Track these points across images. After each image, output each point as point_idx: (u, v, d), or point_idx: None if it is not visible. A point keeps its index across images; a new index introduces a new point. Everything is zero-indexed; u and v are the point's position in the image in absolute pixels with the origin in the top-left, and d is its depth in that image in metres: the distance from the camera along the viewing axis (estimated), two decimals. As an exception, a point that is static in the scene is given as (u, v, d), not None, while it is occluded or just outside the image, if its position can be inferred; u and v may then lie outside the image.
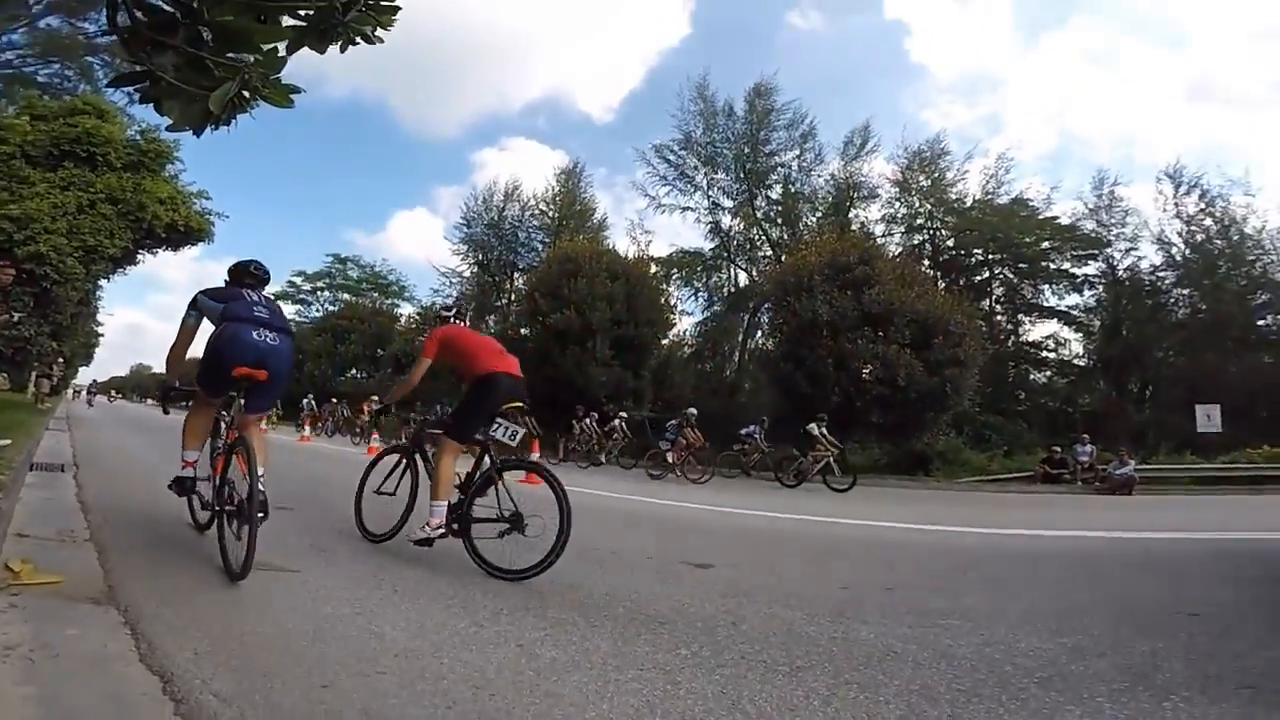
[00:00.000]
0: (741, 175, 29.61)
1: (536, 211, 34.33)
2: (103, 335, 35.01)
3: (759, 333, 28.38)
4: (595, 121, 60.24)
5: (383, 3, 1.62)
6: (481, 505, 3.40)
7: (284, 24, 1.60)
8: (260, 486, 2.79)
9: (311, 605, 2.52)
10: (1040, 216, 25.78)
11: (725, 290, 31.41)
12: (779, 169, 29.43)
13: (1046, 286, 26.86)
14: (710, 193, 30.54)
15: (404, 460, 3.98)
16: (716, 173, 30.25)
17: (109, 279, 18.95)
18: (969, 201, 26.79)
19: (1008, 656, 2.28)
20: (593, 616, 2.66)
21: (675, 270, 30.90)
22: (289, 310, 46.34)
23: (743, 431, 14.09)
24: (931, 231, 27.95)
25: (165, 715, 1.53)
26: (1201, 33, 44.80)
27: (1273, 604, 3.08)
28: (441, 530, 3.41)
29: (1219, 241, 23.02)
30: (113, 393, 49.45)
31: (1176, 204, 23.74)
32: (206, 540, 3.39)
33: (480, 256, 35.80)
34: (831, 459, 11.44)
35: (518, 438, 3.70)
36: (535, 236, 34.55)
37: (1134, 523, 6.19)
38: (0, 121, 15.50)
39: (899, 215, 28.21)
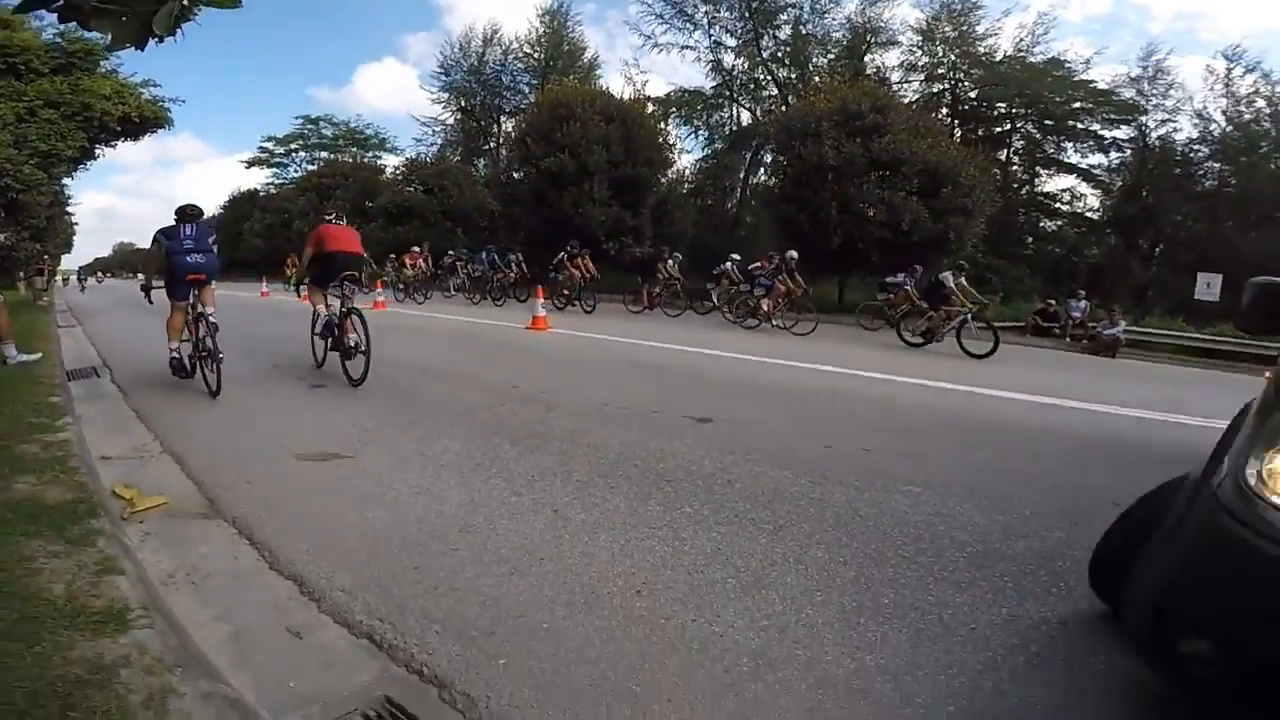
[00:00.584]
0: (747, 14, 27.27)
1: (520, 54, 32.11)
2: (77, 224, 34.86)
3: (761, 170, 27.70)
4: None
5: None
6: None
7: None
8: (212, 320, 4.95)
9: (378, 492, 2.96)
10: (1076, 79, 24.48)
11: (727, 129, 30.28)
12: (789, 9, 27.12)
13: (1070, 144, 26.12)
14: (712, 31, 28.46)
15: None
16: (719, 10, 27.97)
17: (73, 177, 18.65)
18: (999, 56, 25.25)
19: (949, 529, 2.64)
20: (610, 478, 3.14)
21: (674, 109, 29.47)
22: (265, 175, 45.45)
23: (889, 280, 12.72)
24: (953, 82, 26.43)
25: (314, 613, 1.94)
26: None
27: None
28: (325, 320, 5.81)
29: (1266, 123, 22.21)
30: (98, 274, 51.06)
31: (1228, 83, 22.60)
32: (261, 433, 4.00)
33: (463, 103, 34.01)
34: (969, 316, 9.60)
35: (354, 293, 5.90)
36: (521, 79, 32.75)
37: (1104, 394, 6.09)
38: None
39: (919, 64, 26.56)
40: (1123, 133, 25.22)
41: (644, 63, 45.52)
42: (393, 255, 20.70)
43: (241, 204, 46.13)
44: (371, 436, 3.88)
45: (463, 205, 28.13)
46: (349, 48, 76.84)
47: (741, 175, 29.55)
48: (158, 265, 5.43)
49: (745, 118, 29.82)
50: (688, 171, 29.38)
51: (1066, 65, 24.84)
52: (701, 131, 30.49)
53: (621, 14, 57.24)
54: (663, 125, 25.21)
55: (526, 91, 32.10)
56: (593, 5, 64.56)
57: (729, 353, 7.97)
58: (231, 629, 1.85)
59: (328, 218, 6.31)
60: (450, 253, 19.48)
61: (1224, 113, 23.13)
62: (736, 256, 14.03)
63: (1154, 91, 24.15)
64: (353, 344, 5.41)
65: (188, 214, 5.36)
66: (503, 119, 34.05)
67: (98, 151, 17.72)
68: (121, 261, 76.97)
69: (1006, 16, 25.76)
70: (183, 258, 5.17)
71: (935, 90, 26.96)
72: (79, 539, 2.16)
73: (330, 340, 5.77)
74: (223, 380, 4.83)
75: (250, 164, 45.72)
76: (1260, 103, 22.42)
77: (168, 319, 5.36)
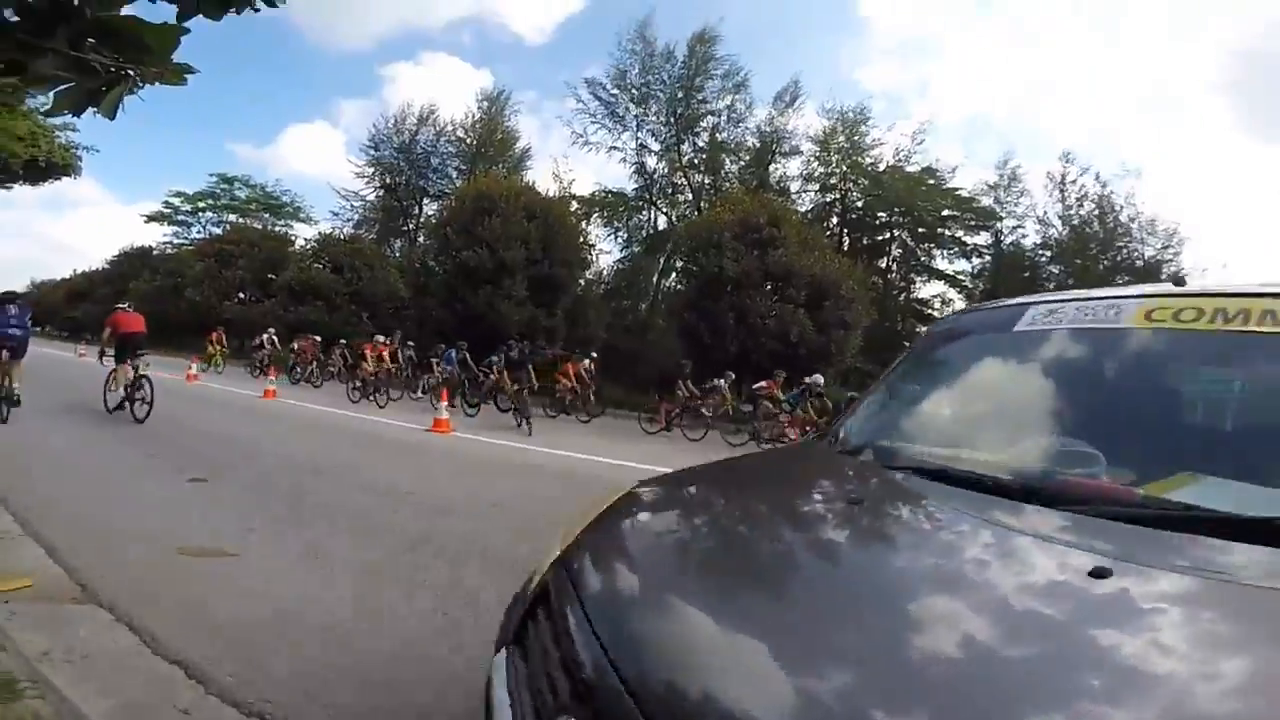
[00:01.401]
0: (672, 119, 29.38)
1: (453, 138, 32.71)
2: None
3: (673, 274, 29.03)
4: (527, 43, 56.66)
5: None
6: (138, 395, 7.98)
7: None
8: (18, 388, 7.38)
9: (265, 589, 3.00)
10: (944, 187, 27.44)
11: (645, 231, 31.49)
12: (709, 116, 29.49)
13: (939, 251, 28.99)
14: (639, 134, 30.18)
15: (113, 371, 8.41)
16: (647, 114, 29.84)
17: None
18: (882, 166, 27.97)
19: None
20: (504, 588, 3.33)
21: (597, 209, 30.64)
22: (167, 231, 42.89)
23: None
24: (843, 192, 29.09)
25: (202, 694, 2.02)
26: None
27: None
28: (119, 402, 8.19)
29: (1096, 226, 24.99)
30: None
31: (1061, 189, 25.69)
32: (140, 524, 3.92)
33: (387, 180, 33.96)
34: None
35: (143, 365, 8.14)
36: (450, 163, 33.22)
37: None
38: None
39: (815, 174, 29.14)
40: (982, 239, 28.09)
41: (574, 158, 47.88)
42: (316, 338, 18.32)
43: (132, 260, 42.86)
44: (256, 533, 3.86)
45: (373, 289, 27.59)
46: (283, 105, 75.02)
47: (655, 280, 30.90)
48: None
49: (662, 222, 31.41)
50: (605, 273, 30.20)
51: (937, 173, 27.70)
52: (621, 233, 31.68)
53: (560, 106, 60.90)
54: (584, 225, 26.25)
55: (454, 176, 32.54)
56: (533, 93, 67.69)
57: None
58: (118, 703, 1.91)
59: (121, 306, 9.25)
60: (409, 344, 17.05)
61: (1060, 217, 25.96)
62: (819, 378, 12.07)
63: (1008, 199, 27.07)
64: (139, 397, 7.93)
65: (9, 298, 7.73)
66: (425, 201, 34.30)
67: None
68: None
69: (890, 128, 29.58)
70: (4, 329, 7.36)
71: (828, 200, 29.59)
72: (-53, 618, 2.17)
73: (123, 397, 8.16)
74: (11, 417, 7.25)
75: (151, 219, 42.76)
76: (1089, 205, 25.16)
77: None
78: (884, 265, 29.68)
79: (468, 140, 32.46)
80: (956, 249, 28.66)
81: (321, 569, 3.36)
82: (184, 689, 2.07)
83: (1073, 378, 1.52)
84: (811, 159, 29.07)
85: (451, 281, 21.15)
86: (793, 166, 29.64)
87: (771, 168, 29.48)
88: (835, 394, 19.74)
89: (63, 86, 1.44)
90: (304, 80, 69.46)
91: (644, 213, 31.78)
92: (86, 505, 4.21)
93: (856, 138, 28.13)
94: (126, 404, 8.04)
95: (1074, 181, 25.54)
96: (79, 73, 1.41)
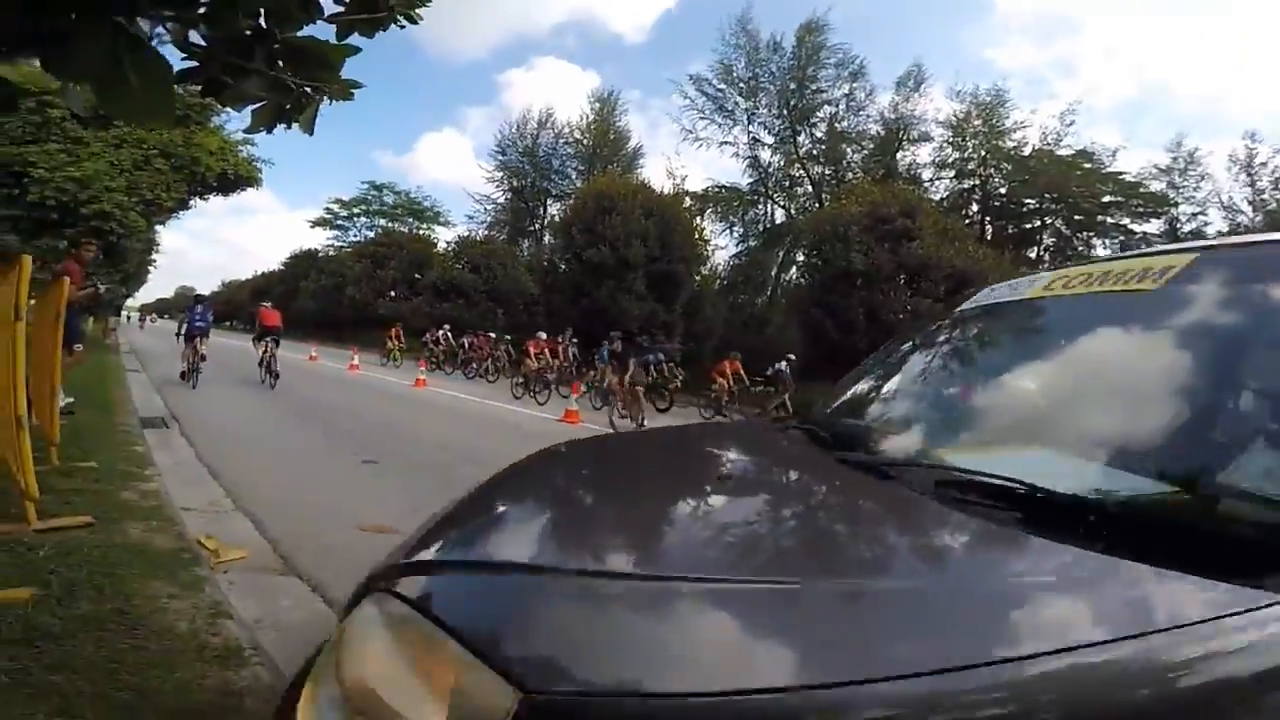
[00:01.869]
0: (785, 111, 28.39)
1: (570, 139, 34.14)
2: (155, 266, 36.91)
3: (794, 269, 28.11)
4: (627, 42, 58.03)
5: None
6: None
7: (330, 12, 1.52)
8: (203, 350, 10.60)
9: None
10: (1104, 171, 24.48)
11: (761, 225, 30.88)
12: (825, 106, 28.20)
13: (1100, 240, 25.92)
14: (750, 127, 29.47)
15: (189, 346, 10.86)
16: (758, 108, 29.05)
17: (164, 224, 19.91)
18: (1027, 150, 25.47)
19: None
20: None
21: (711, 205, 30.42)
22: (329, 235, 48.00)
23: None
24: (983, 178, 26.77)
25: None
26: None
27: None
28: (261, 375, 11.41)
29: None
30: (152, 315, 61.35)
31: (1249, 170, 22.13)
32: (321, 502, 4.36)
33: (514, 183, 36.00)
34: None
35: (269, 343, 11.48)
36: (569, 164, 34.74)
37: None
38: (48, 86, 15.69)
39: (950, 160, 27.04)
40: (1154, 227, 24.52)
41: (684, 154, 47.94)
42: (491, 335, 19.44)
43: (302, 262, 48.25)
44: (422, 515, 4.17)
45: (505, 286, 29.30)
46: (415, 115, 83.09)
47: (773, 274, 30.14)
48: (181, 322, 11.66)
49: (780, 215, 30.52)
50: (720, 267, 29.79)
51: (1094, 157, 24.60)
52: (736, 227, 31.18)
53: (664, 103, 61.21)
54: (699, 221, 26.17)
55: (573, 177, 33.88)
56: (638, 92, 68.87)
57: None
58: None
59: (264, 304, 12.56)
60: (574, 340, 17.41)
61: (1249, 201, 22.39)
62: None
63: (1184, 183, 23.51)
64: (271, 370, 11.13)
65: (199, 299, 11.70)
66: (549, 202, 35.92)
67: (192, 203, 18.74)
68: (183, 305, 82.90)
69: (1034, 112, 26.55)
70: (194, 323, 10.75)
71: (966, 187, 27.29)
72: (190, 584, 2.53)
73: (262, 368, 11.34)
74: (201, 384, 10.16)
75: (315, 224, 48.21)
76: (1287, 188, 21.15)
77: (181, 352, 10.95)
78: (1034, 255, 26.80)
79: (584, 141, 33.68)
80: (1122, 237, 25.36)
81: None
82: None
83: (965, 353, 1.59)
84: (944, 144, 27.02)
85: (577, 278, 22.11)
86: (923, 153, 27.68)
87: (899, 155, 27.70)
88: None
89: (256, 105, 1.59)
90: (429, 91, 76.07)
91: (759, 206, 31.13)
92: (279, 481, 4.77)
93: (994, 121, 25.83)
94: (266, 374, 11.25)
95: (1264, 164, 21.87)
96: (272, 91, 1.54)
